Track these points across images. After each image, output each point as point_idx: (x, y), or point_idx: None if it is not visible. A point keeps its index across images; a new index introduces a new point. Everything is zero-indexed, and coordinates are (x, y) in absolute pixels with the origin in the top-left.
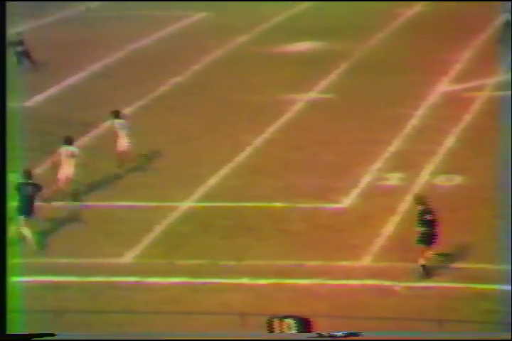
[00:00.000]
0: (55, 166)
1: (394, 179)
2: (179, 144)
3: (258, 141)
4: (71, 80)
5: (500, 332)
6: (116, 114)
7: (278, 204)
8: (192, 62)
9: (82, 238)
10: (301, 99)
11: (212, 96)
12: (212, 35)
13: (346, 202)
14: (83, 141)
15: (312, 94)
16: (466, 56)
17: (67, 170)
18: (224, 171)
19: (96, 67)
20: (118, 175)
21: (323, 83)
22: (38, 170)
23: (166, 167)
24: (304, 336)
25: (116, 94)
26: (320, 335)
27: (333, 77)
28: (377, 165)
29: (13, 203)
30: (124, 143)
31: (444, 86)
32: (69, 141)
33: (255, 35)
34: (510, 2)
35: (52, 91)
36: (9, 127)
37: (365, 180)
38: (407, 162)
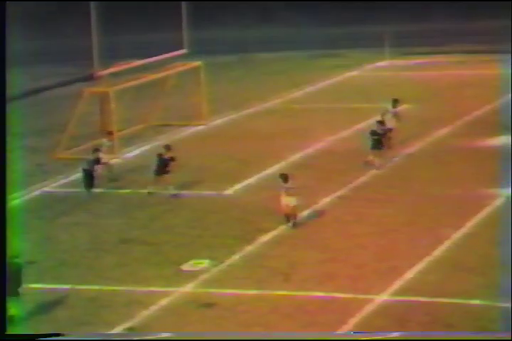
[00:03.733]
0: None
1: None
2: (377, 236)
3: (458, 235)
4: (271, 170)
5: (501, 332)
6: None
7: (478, 302)
8: (392, 155)
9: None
10: (503, 194)
11: (412, 189)
12: (413, 128)
13: None
14: (281, 229)
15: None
16: None
17: None
18: (422, 265)
19: (296, 157)
20: (315, 265)
21: None
22: (236, 257)
23: (363, 259)
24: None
25: (315, 185)
26: None
27: None
28: None
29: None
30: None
31: None
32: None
33: (457, 128)
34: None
35: (252, 180)
36: (209, 217)
37: None
38: None
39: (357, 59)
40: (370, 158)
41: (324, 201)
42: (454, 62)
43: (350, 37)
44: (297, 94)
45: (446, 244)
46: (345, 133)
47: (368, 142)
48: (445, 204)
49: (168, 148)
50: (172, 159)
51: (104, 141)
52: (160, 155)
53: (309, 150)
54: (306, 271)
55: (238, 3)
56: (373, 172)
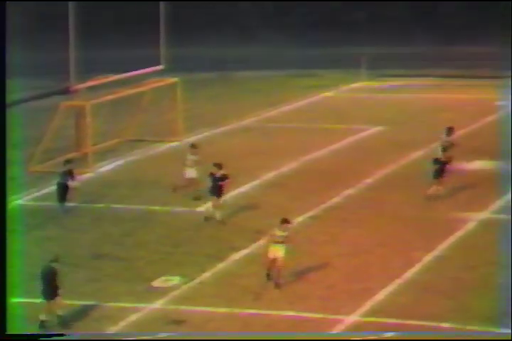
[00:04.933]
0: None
1: None
2: (349, 257)
3: (429, 258)
4: (244, 188)
5: (500, 332)
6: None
7: (447, 325)
8: (366, 176)
9: None
10: (475, 219)
11: (384, 211)
12: (387, 150)
13: None
14: (254, 248)
15: (486, 214)
16: None
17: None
18: (393, 287)
19: (270, 176)
20: (286, 284)
21: (499, 203)
22: (208, 274)
23: (334, 279)
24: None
25: (288, 204)
26: None
27: (510, 197)
28: None
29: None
30: None
31: None
32: (193, 146)
33: (431, 152)
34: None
35: (225, 198)
36: (182, 234)
37: None
38: None
39: (333, 80)
40: (433, 188)
41: (297, 221)
42: (430, 86)
43: (327, 58)
44: (273, 113)
45: (417, 267)
46: (319, 153)
47: (430, 171)
48: (417, 227)
49: (219, 166)
50: (225, 177)
51: (189, 154)
52: (212, 175)
53: (283, 169)
54: (277, 291)
55: (217, 21)
56: (346, 192)
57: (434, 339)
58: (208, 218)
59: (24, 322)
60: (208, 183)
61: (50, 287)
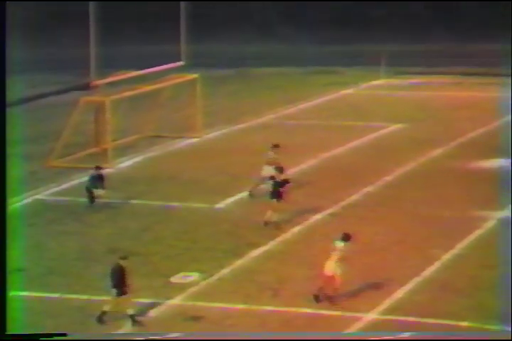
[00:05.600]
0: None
1: None
2: (367, 255)
3: (447, 256)
4: (264, 186)
5: (500, 332)
6: None
7: (465, 324)
8: (385, 173)
9: None
10: (494, 217)
11: (403, 209)
12: (406, 147)
13: None
14: (272, 244)
15: (505, 213)
16: None
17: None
18: (411, 285)
19: (289, 173)
20: (304, 281)
21: None
22: (226, 271)
23: (352, 277)
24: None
25: (306, 201)
26: None
27: None
28: None
29: None
30: None
31: None
32: (276, 145)
33: (450, 149)
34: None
35: (243, 194)
36: (200, 230)
37: None
38: None
39: (353, 77)
40: None
41: (315, 218)
42: (450, 84)
43: (346, 55)
44: (292, 110)
45: (436, 265)
46: (338, 151)
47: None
48: (436, 225)
49: (280, 170)
50: (286, 181)
51: (271, 153)
52: (272, 178)
53: (302, 167)
54: (294, 287)
55: (236, 17)
56: (364, 190)
57: (433, 339)
58: (267, 223)
59: (42, 316)
60: (268, 187)
61: (119, 284)
